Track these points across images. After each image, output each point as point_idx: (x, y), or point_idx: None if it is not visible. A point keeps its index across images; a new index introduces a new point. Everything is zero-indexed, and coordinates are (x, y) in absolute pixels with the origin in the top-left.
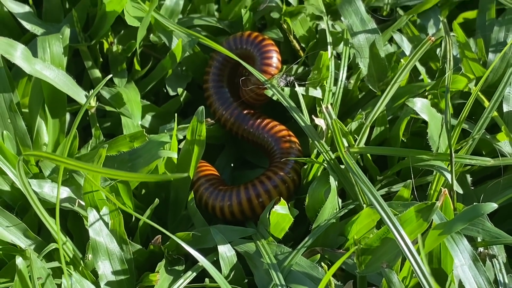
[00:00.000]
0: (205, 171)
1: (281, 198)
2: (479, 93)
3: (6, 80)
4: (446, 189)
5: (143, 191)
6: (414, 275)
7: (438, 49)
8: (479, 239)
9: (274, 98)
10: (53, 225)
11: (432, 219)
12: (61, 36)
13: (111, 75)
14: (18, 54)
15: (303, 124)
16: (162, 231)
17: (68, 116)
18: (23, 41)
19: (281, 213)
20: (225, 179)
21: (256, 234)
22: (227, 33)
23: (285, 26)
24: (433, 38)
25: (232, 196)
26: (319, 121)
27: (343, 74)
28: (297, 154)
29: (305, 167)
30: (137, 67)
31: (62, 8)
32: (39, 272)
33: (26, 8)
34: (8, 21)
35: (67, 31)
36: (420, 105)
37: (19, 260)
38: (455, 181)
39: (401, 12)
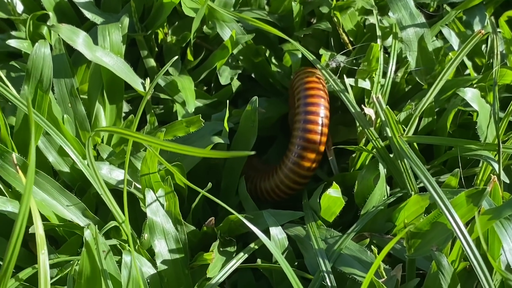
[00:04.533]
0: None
1: (334, 183)
2: None
3: (68, 66)
4: (495, 176)
5: (195, 177)
6: (462, 259)
7: (483, 46)
8: None
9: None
10: (115, 204)
11: (481, 205)
12: (120, 25)
13: (170, 62)
14: (80, 41)
15: (353, 112)
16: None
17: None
18: (82, 30)
19: (332, 197)
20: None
21: (307, 217)
22: (277, 27)
23: (335, 20)
24: (483, 31)
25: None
26: (369, 111)
27: (392, 66)
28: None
29: (353, 155)
30: (190, 57)
31: None
32: (102, 247)
33: None
34: (67, 10)
35: (126, 20)
36: (471, 95)
37: (87, 233)
38: (502, 171)
39: (448, 8)
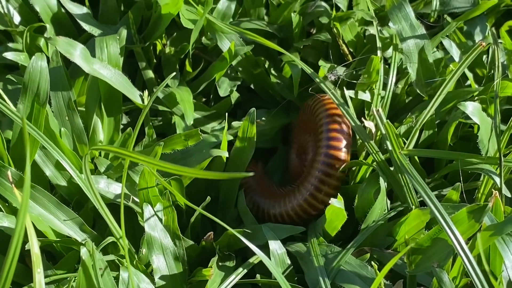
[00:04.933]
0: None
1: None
2: None
3: (65, 78)
4: (496, 191)
5: (194, 190)
6: (464, 275)
7: (484, 56)
8: None
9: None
10: (112, 219)
11: (483, 221)
12: (118, 37)
13: (170, 76)
14: (77, 53)
15: (353, 125)
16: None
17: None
18: (79, 41)
19: (335, 209)
20: (275, 182)
21: (307, 233)
22: (276, 37)
23: (335, 31)
24: (484, 43)
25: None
26: (369, 124)
27: (392, 78)
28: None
29: (353, 168)
30: (189, 68)
31: (118, 10)
32: (98, 264)
33: (84, 10)
34: (65, 22)
35: (124, 32)
36: (472, 109)
37: (83, 251)
38: (503, 185)
39: (448, 19)
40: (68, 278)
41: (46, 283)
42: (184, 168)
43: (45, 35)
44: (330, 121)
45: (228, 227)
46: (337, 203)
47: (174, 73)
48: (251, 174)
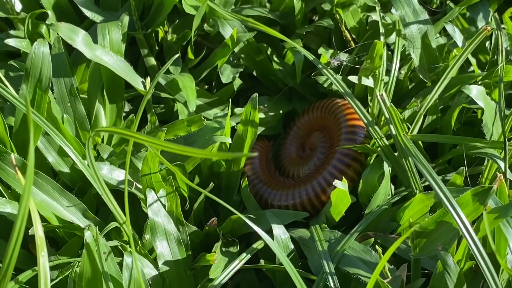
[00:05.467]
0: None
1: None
2: None
3: (67, 65)
4: (501, 174)
5: (197, 177)
6: (469, 258)
7: (487, 42)
8: None
9: (325, 85)
10: (115, 205)
11: (487, 204)
12: (120, 24)
13: (171, 61)
14: (79, 39)
15: (358, 111)
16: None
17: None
18: (81, 28)
19: (340, 193)
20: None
21: (310, 220)
22: (278, 24)
23: (337, 17)
24: (488, 28)
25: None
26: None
27: (396, 63)
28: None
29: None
30: (191, 55)
31: None
32: (102, 249)
33: None
34: (66, 9)
35: (126, 18)
36: (476, 92)
37: (87, 234)
38: (508, 169)
39: (451, 4)
40: (72, 264)
41: (50, 268)
42: (188, 148)
43: (46, 22)
44: (350, 118)
45: (233, 210)
46: (341, 185)
47: (177, 55)
48: (255, 154)
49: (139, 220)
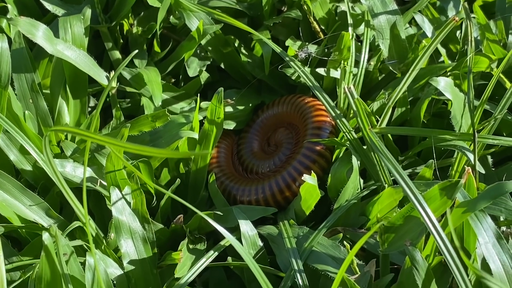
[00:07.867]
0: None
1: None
2: (500, 74)
3: (28, 60)
4: (469, 167)
5: (165, 171)
6: (437, 253)
7: (458, 32)
8: (501, 218)
9: (294, 77)
10: (77, 203)
11: (456, 198)
12: (82, 17)
13: (133, 54)
14: (40, 34)
15: (325, 104)
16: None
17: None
18: (43, 22)
19: (309, 187)
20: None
21: (279, 216)
22: (246, 15)
23: (306, 8)
24: (457, 18)
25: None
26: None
27: (365, 55)
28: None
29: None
30: (157, 48)
31: None
32: (63, 249)
33: None
34: (28, 2)
35: (88, 11)
36: (444, 84)
37: (45, 236)
38: (477, 161)
39: None
40: (33, 265)
41: (11, 270)
42: (149, 149)
43: (7, 16)
44: (316, 114)
45: (197, 211)
46: (310, 179)
47: (137, 51)
48: (214, 152)
49: (105, 218)
